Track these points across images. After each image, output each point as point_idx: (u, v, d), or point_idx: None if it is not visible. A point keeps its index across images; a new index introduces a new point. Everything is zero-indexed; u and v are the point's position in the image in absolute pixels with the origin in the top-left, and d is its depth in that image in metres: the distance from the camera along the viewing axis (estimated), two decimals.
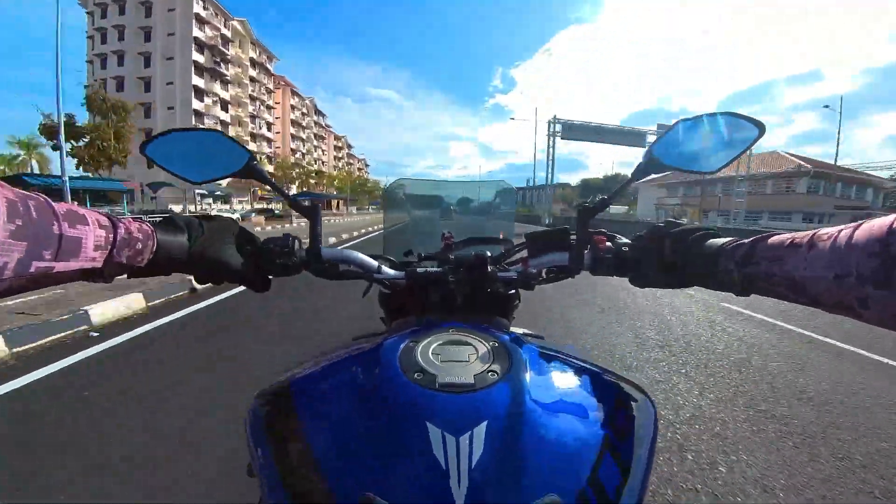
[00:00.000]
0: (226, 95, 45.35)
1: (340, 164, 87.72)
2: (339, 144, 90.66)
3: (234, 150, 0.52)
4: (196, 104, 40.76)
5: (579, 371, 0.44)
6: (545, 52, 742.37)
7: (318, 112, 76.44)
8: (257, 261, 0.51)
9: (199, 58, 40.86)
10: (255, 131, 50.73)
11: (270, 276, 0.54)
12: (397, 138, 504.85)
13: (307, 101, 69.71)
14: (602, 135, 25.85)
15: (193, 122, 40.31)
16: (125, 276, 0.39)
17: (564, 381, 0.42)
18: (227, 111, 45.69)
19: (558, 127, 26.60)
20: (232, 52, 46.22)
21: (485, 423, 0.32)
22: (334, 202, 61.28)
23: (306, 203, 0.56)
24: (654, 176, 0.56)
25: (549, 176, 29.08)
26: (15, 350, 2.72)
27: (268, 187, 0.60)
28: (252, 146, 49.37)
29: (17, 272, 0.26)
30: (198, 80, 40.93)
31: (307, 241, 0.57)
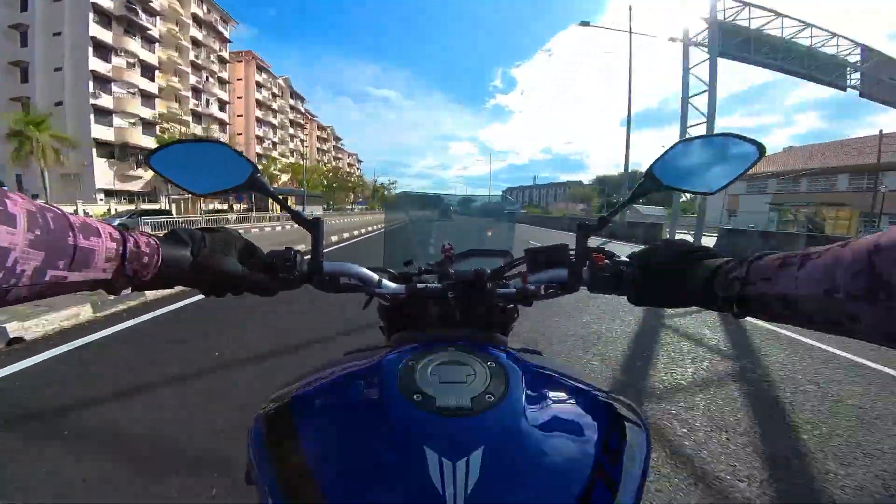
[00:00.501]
0: (150, 58, 33.27)
1: (327, 158, 75.80)
2: (324, 135, 78.78)
3: (237, 162, 0.53)
4: (96, 64, 28.67)
5: (574, 391, 0.45)
6: (546, 51, 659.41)
7: (296, 95, 64.55)
8: (260, 273, 0.51)
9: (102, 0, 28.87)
10: (199, 109, 38.81)
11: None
12: (397, 138, 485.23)
13: (280, 81, 57.83)
14: (783, 56, 13.30)
15: (92, 89, 28.32)
16: (130, 289, 0.39)
17: (559, 401, 0.43)
18: (152, 79, 33.66)
19: (699, 38, 13.18)
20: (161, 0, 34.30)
21: (481, 449, 0.33)
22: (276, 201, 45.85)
23: (310, 217, 0.56)
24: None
25: (709, 122, 12.74)
26: None
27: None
28: (196, 128, 37.46)
29: (34, 280, 0.27)
30: (100, 32, 28.90)
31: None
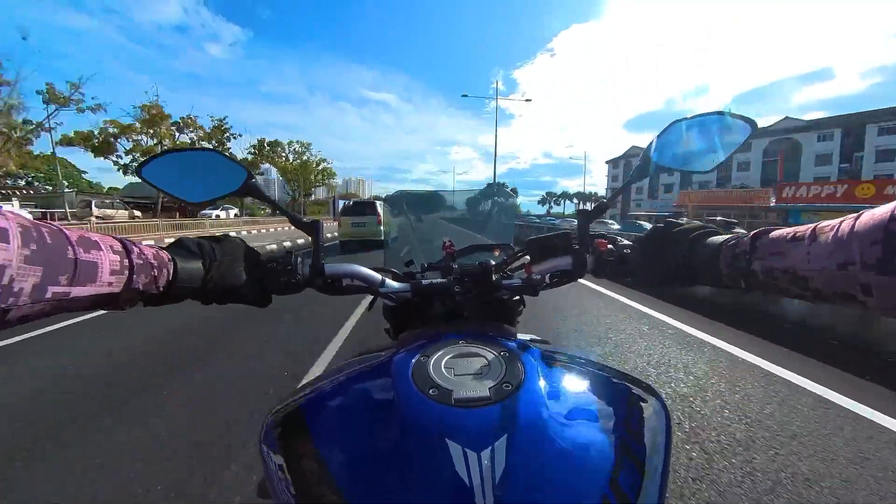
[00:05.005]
0: None
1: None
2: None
3: (231, 168, 0.52)
4: None
5: (590, 376, 0.44)
6: (547, 52, 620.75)
7: None
8: (261, 280, 0.50)
9: None
10: None
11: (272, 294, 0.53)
12: (397, 143, 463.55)
13: None
14: None
15: None
16: (141, 304, 0.38)
17: (577, 387, 0.42)
18: None
19: None
20: None
21: (505, 437, 0.32)
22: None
23: (307, 219, 0.56)
24: None
25: None
26: None
27: None
28: None
29: (34, 298, 0.26)
30: None
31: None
